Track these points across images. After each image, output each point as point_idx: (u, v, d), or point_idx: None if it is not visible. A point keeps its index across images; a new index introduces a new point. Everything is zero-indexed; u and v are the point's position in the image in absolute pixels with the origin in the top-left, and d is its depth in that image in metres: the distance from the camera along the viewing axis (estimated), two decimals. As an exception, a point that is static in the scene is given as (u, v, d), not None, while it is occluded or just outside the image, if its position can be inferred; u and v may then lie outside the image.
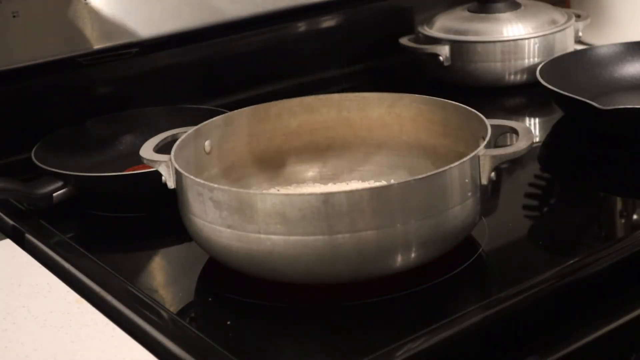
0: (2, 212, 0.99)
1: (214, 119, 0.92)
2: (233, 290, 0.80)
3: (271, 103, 0.95)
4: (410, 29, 1.39)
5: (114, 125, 1.17)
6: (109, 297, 0.81)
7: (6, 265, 0.89)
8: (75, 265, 0.87)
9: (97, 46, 1.18)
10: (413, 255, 0.76)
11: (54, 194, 0.98)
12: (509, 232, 0.89)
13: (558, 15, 1.31)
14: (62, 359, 0.73)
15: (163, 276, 0.89)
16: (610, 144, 1.05)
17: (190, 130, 0.88)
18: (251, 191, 0.77)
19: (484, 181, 0.79)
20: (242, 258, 0.77)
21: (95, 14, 1.17)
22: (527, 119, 1.22)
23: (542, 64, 1.19)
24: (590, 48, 1.27)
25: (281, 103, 0.96)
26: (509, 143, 0.93)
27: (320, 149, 0.97)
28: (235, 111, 0.94)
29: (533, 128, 1.19)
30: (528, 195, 0.99)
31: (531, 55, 1.26)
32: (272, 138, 0.96)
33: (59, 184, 0.98)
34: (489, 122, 0.83)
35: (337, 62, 1.41)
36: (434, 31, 1.32)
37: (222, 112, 0.96)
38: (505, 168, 1.01)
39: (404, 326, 0.73)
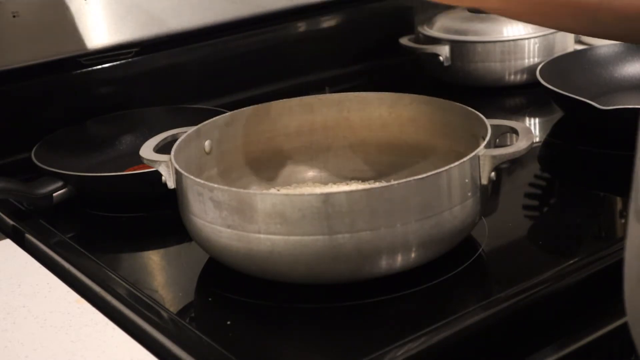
0: (2, 212, 0.99)
1: (214, 119, 0.92)
2: (233, 290, 0.80)
3: (271, 103, 0.95)
4: (410, 29, 1.39)
5: (114, 125, 1.17)
6: (109, 297, 0.81)
7: (6, 265, 0.89)
8: (75, 265, 0.87)
9: (97, 46, 1.18)
10: (413, 255, 0.76)
11: (54, 194, 0.98)
12: (509, 232, 0.89)
13: (558, 15, 1.31)
14: (62, 359, 0.72)
15: (163, 276, 0.89)
16: (610, 144, 1.05)
17: (190, 130, 0.88)
18: (251, 191, 0.77)
19: (484, 181, 0.79)
20: (242, 258, 0.77)
21: (95, 14, 1.17)
22: (527, 119, 1.22)
23: (542, 64, 1.19)
24: (590, 48, 1.27)
25: (281, 103, 0.96)
26: (509, 143, 0.93)
27: (320, 149, 0.97)
28: (235, 111, 0.94)
29: (533, 128, 1.19)
30: (528, 195, 0.99)
31: (531, 55, 1.26)
32: (272, 138, 0.96)
33: (59, 184, 0.98)
34: (489, 122, 0.83)
35: (337, 62, 1.41)
36: (434, 31, 1.32)
37: (222, 112, 0.96)
38: (505, 168, 1.01)
39: (404, 326, 0.73)
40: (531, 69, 1.24)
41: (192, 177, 0.78)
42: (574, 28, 0.83)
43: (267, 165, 0.96)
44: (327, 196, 0.73)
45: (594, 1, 0.72)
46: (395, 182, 0.75)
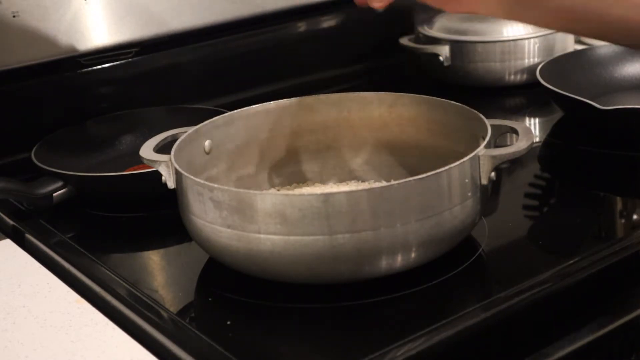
0: (2, 212, 0.99)
1: (214, 119, 0.92)
2: (233, 290, 0.80)
3: (271, 103, 0.95)
4: (410, 29, 1.39)
5: (114, 125, 1.17)
6: (109, 297, 0.81)
7: (6, 265, 0.89)
8: (75, 265, 0.87)
9: (97, 46, 1.18)
10: (413, 255, 0.76)
11: (54, 194, 0.98)
12: (509, 232, 0.89)
13: (558, 15, 1.31)
14: (62, 359, 0.72)
15: (163, 276, 0.89)
16: (610, 144, 1.05)
17: (190, 130, 0.88)
18: (251, 191, 0.77)
19: (484, 181, 0.79)
20: (242, 258, 0.77)
21: (95, 14, 1.17)
22: (527, 119, 1.22)
23: (542, 64, 1.19)
24: (590, 48, 1.27)
25: (281, 103, 0.96)
26: (509, 143, 0.93)
27: (320, 149, 0.97)
28: (235, 111, 0.94)
29: (533, 128, 1.19)
30: (528, 195, 0.99)
31: (531, 55, 1.26)
32: (272, 138, 0.96)
33: (59, 184, 0.98)
34: (489, 122, 0.83)
35: (337, 62, 1.41)
36: (434, 31, 1.32)
37: (222, 112, 0.96)
38: (505, 168, 1.01)
39: (404, 326, 0.73)
40: (531, 69, 1.24)
41: (192, 177, 0.78)
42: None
43: (267, 165, 0.96)
44: (327, 196, 0.73)
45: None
46: (395, 182, 0.75)
